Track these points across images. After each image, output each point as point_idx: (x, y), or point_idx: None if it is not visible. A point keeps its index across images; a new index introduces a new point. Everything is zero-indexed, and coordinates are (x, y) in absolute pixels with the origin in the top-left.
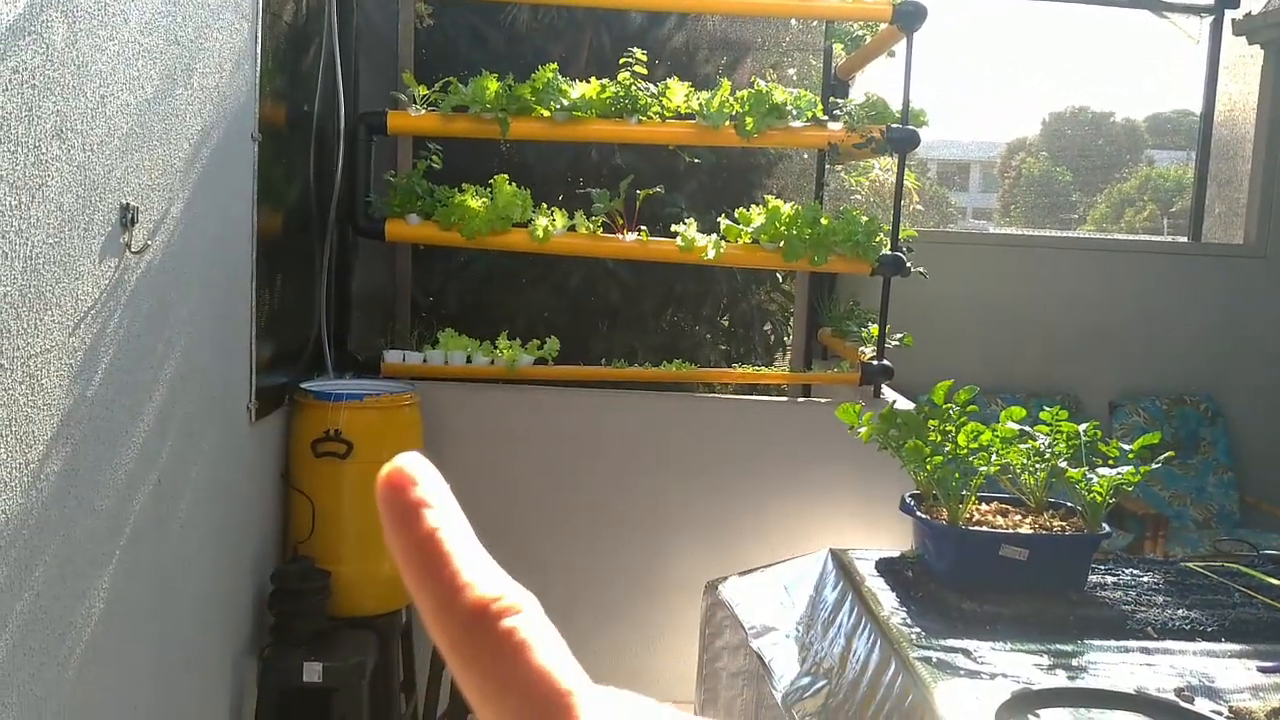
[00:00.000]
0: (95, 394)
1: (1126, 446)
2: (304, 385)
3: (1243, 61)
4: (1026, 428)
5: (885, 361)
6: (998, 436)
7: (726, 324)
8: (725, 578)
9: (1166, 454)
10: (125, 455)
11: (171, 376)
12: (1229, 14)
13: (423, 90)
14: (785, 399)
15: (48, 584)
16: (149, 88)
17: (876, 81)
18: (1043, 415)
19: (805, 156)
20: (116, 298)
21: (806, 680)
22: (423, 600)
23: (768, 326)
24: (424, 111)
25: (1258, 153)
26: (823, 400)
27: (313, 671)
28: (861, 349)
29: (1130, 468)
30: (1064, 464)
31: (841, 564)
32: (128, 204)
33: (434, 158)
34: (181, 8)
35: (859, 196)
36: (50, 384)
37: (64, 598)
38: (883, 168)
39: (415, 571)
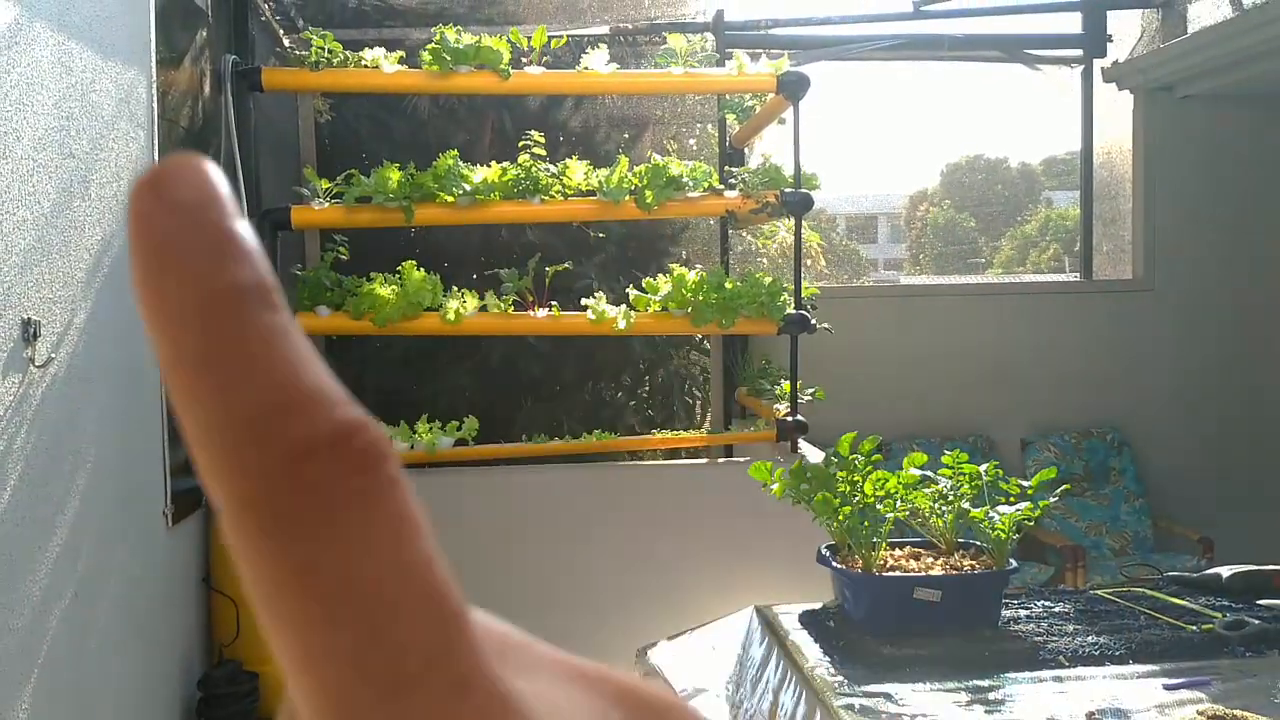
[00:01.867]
0: (4, 512)
1: (1026, 483)
2: None
3: (1115, 106)
4: (928, 472)
5: (799, 417)
6: (901, 483)
7: (647, 391)
8: (654, 643)
9: (1063, 487)
10: (39, 571)
11: (84, 487)
12: (1097, 63)
13: (325, 184)
14: (705, 461)
15: None
16: (46, 203)
17: (777, 145)
18: (944, 459)
19: (711, 223)
20: (22, 413)
21: None
22: (203, 404)
23: (690, 389)
24: (328, 204)
25: (1136, 191)
26: (741, 459)
27: None
28: (776, 406)
29: (1030, 503)
30: (967, 505)
31: (766, 620)
32: (29, 318)
33: (340, 249)
34: (75, 121)
35: (765, 258)
36: None
37: None
38: (788, 228)
39: (202, 355)
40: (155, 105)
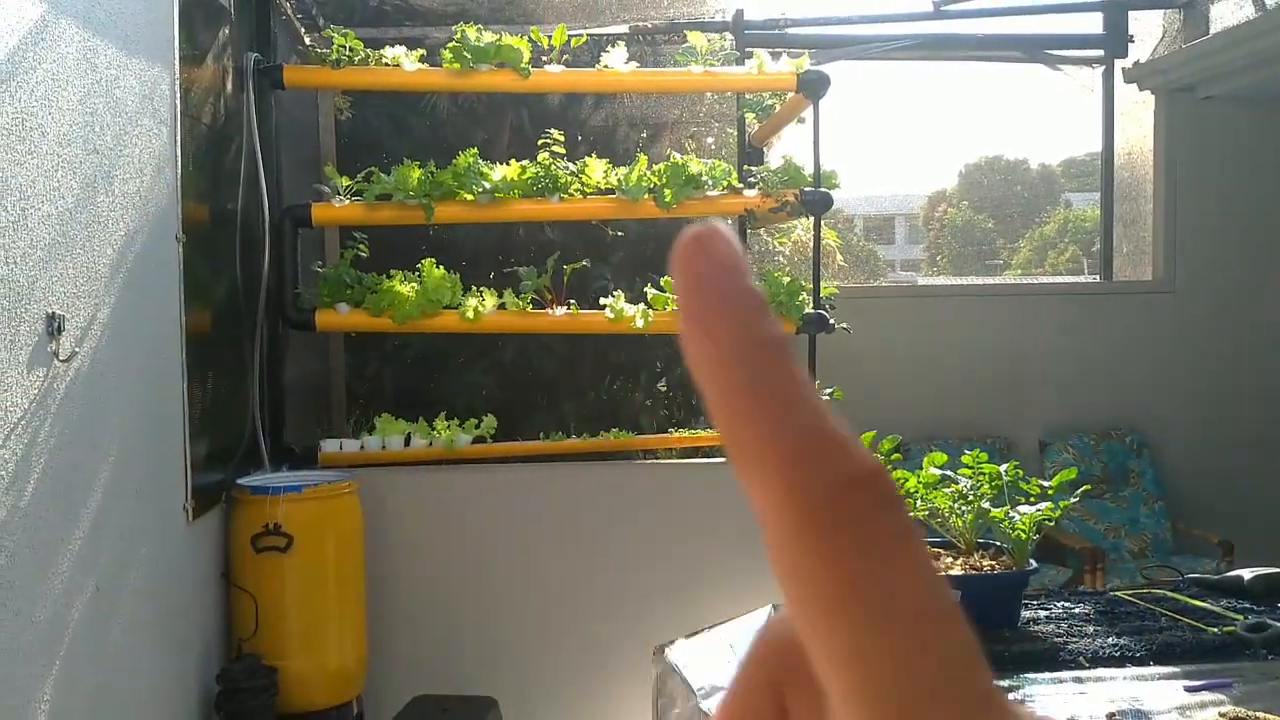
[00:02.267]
0: (28, 505)
1: (1046, 484)
2: (241, 481)
3: (1137, 106)
4: (949, 472)
5: None
6: (921, 482)
7: (664, 389)
8: (672, 641)
9: (1083, 488)
10: (61, 564)
11: (105, 482)
12: (1118, 63)
13: (346, 181)
14: (723, 460)
15: None
16: (70, 197)
17: (795, 145)
18: (964, 459)
19: (728, 223)
20: (46, 407)
21: None
22: (763, 428)
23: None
24: (348, 202)
25: (1157, 192)
26: None
27: None
28: None
29: (1050, 504)
30: (987, 505)
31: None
32: (54, 313)
33: (360, 247)
34: (99, 117)
35: (783, 258)
36: None
37: (3, 712)
38: (804, 229)
39: (758, 388)
40: (178, 102)
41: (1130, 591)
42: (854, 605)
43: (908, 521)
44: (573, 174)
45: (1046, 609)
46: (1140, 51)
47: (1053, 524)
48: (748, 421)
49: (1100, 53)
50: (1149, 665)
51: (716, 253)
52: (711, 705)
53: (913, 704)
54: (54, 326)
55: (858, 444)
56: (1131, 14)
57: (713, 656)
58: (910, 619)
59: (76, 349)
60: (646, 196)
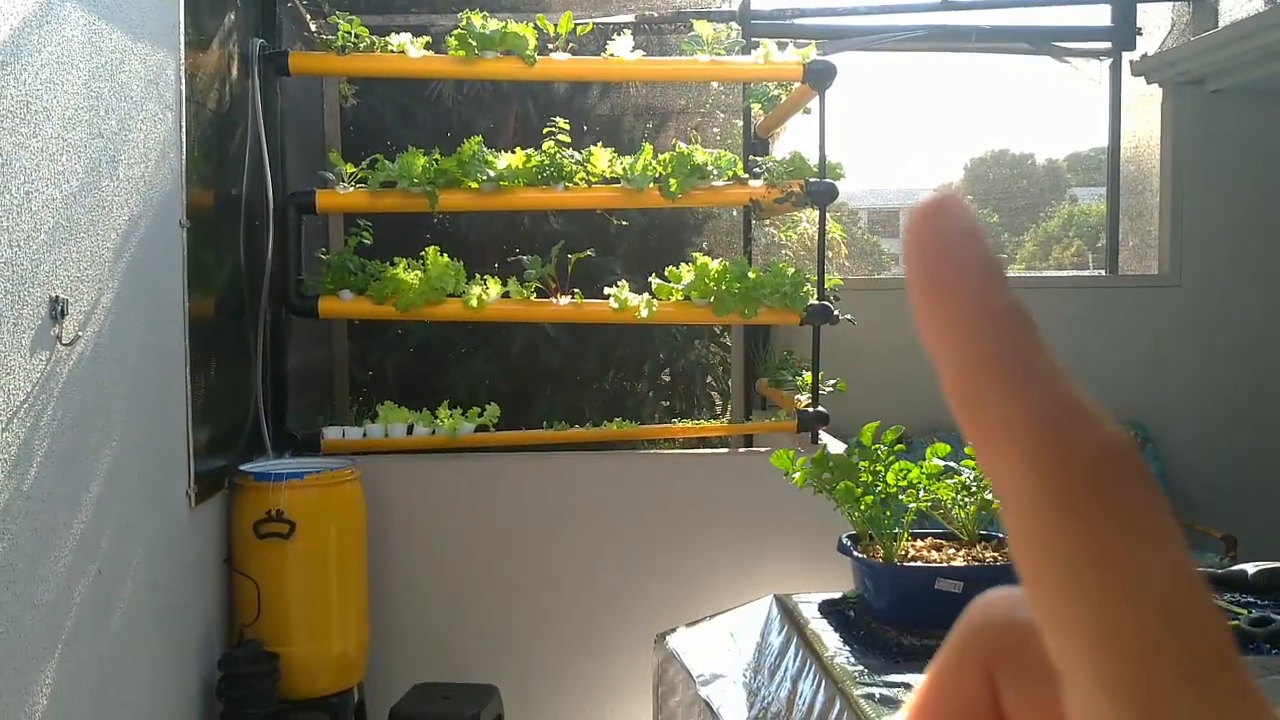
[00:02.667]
0: (31, 488)
1: None
2: (243, 467)
3: (1144, 100)
4: (952, 463)
5: (820, 408)
6: (925, 473)
7: (668, 380)
8: (674, 629)
9: None
10: (64, 548)
11: (108, 466)
12: (1126, 56)
13: (350, 168)
14: (726, 450)
15: None
16: (74, 181)
17: (800, 137)
18: (968, 450)
19: (734, 213)
20: (49, 390)
21: None
22: (1013, 400)
23: (709, 380)
24: (352, 189)
25: (1164, 186)
26: (762, 449)
27: None
28: (797, 397)
29: None
30: (990, 496)
31: (786, 609)
32: (57, 296)
33: (364, 234)
34: (104, 101)
35: (788, 250)
36: None
37: (6, 694)
38: (809, 220)
39: (1004, 357)
40: (183, 87)
41: None
42: (1105, 582)
43: (1160, 498)
44: (578, 163)
45: None
46: (1148, 44)
47: None
48: (992, 394)
49: (1108, 45)
50: None
51: (954, 219)
52: (711, 693)
53: (1165, 688)
54: (57, 310)
55: (1107, 417)
56: (1140, 6)
57: (713, 645)
58: (1163, 599)
59: (80, 333)
60: (652, 186)
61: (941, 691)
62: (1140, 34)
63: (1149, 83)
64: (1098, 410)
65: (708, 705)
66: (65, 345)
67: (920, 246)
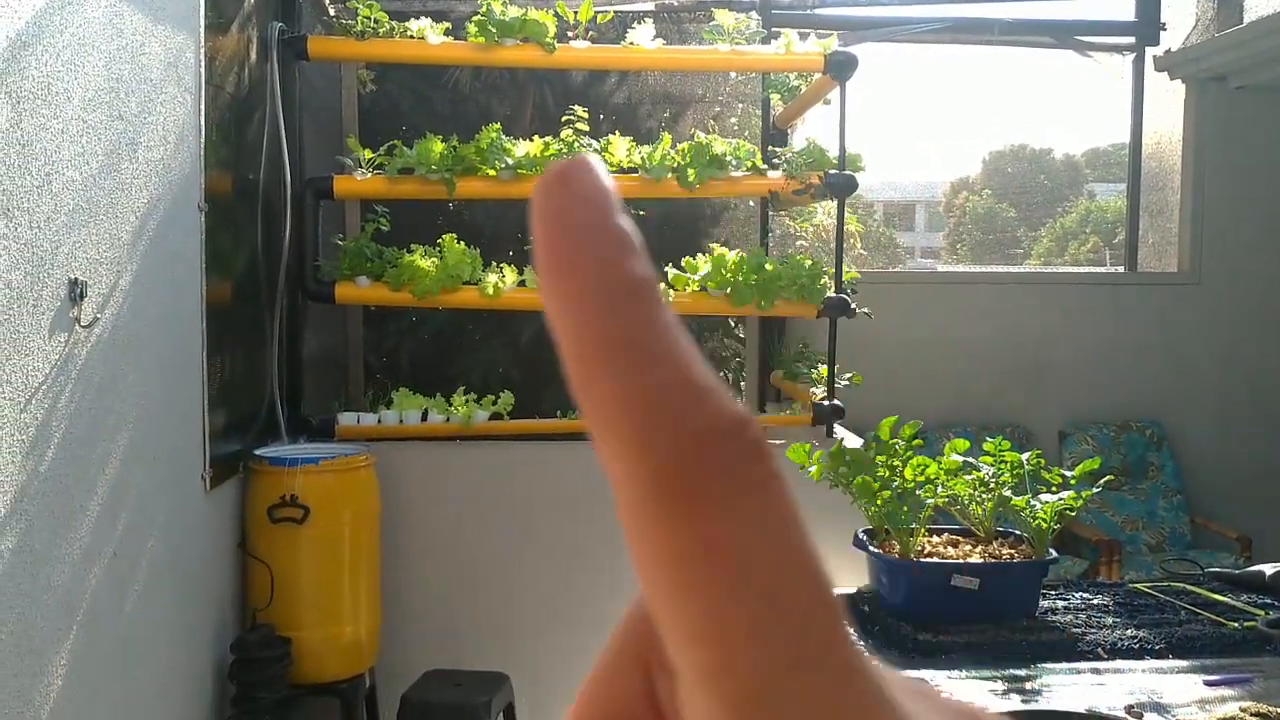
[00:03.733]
0: (48, 470)
1: (1068, 473)
2: (258, 452)
3: (1166, 96)
4: (971, 459)
5: (836, 401)
6: (943, 469)
7: None
8: None
9: (1106, 478)
10: (80, 530)
11: (124, 449)
12: (1149, 51)
13: (368, 154)
14: None
15: (5, 662)
16: (94, 163)
17: (818, 129)
18: (986, 446)
19: (750, 205)
20: (67, 372)
21: None
22: (614, 383)
23: (723, 373)
24: (370, 175)
25: (1185, 183)
26: (777, 442)
27: None
28: (813, 390)
29: (1072, 493)
30: (1009, 493)
31: None
32: (76, 278)
33: (381, 220)
34: (124, 84)
35: (804, 242)
36: (2, 461)
37: (22, 675)
38: (826, 212)
39: (612, 337)
40: (203, 70)
41: (1149, 584)
42: (705, 574)
43: (771, 475)
44: (596, 151)
45: (1065, 599)
46: (1172, 39)
47: (1074, 514)
48: (600, 375)
49: (1131, 40)
50: (1168, 659)
51: (580, 186)
52: None
53: (768, 678)
54: (76, 292)
55: (721, 392)
56: (1164, 1)
57: None
58: (766, 585)
59: (98, 315)
60: (669, 176)
61: (601, 685)
62: (1164, 29)
63: (1172, 78)
64: (710, 387)
65: None
66: (84, 327)
67: (543, 216)
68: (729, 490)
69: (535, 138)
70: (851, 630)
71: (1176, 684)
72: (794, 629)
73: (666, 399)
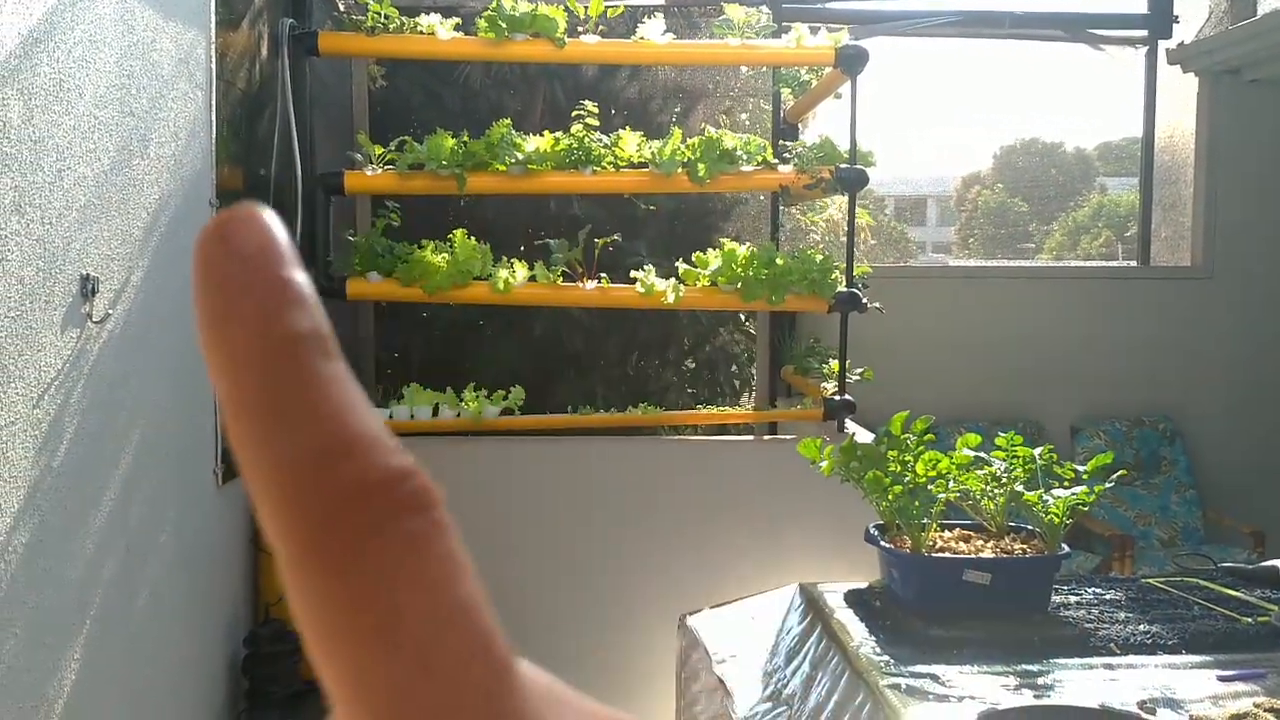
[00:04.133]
0: (61, 465)
1: (1080, 468)
2: None
3: (1179, 89)
4: (982, 454)
5: (847, 396)
6: (955, 464)
7: (692, 366)
8: (697, 610)
9: (1118, 473)
10: (93, 525)
11: (137, 444)
12: (1162, 44)
13: (379, 150)
14: (751, 438)
15: (18, 656)
16: (106, 159)
17: (829, 123)
18: (998, 441)
19: (761, 199)
20: (79, 368)
21: (766, 706)
22: (262, 448)
23: (733, 368)
24: (381, 171)
25: (1198, 177)
26: (788, 437)
27: None
28: (824, 385)
29: (1084, 488)
30: (1021, 488)
31: (810, 597)
32: (88, 274)
33: (392, 215)
34: (135, 80)
35: (815, 236)
36: (15, 456)
37: (35, 670)
38: (837, 207)
39: (261, 399)
40: (213, 66)
41: (1162, 579)
42: (356, 633)
43: (430, 525)
44: (606, 147)
45: (1077, 594)
46: (1185, 32)
47: (1086, 509)
48: (251, 439)
49: (1144, 33)
50: (1181, 654)
51: (238, 241)
52: (725, 670)
53: None
54: (88, 288)
55: (378, 446)
56: None
57: (733, 626)
58: (418, 641)
59: (110, 311)
60: (680, 171)
61: None
62: (1177, 22)
63: (1185, 72)
64: (364, 443)
65: (721, 682)
66: (96, 323)
67: (195, 277)
68: (374, 546)
69: (546, 133)
70: (520, 675)
71: (1190, 679)
72: (446, 683)
73: (316, 460)
